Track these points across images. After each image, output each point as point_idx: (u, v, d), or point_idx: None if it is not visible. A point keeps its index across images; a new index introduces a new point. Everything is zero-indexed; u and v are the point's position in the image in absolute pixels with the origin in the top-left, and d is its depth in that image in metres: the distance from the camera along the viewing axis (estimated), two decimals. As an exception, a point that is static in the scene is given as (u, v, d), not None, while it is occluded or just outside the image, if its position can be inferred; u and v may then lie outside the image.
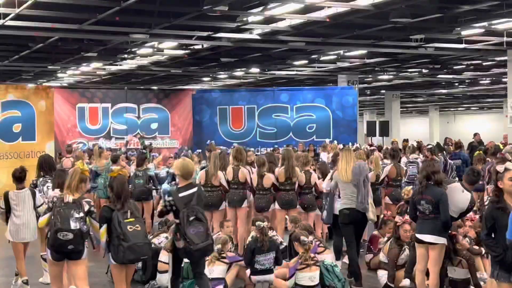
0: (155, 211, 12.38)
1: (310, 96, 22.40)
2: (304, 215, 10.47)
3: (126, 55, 23.02)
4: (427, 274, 7.62)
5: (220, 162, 10.45)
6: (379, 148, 18.04)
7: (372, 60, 24.36)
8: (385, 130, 29.33)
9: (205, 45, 20.57)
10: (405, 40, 19.29)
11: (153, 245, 9.22)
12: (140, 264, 8.99)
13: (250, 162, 11.51)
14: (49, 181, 8.38)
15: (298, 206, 10.43)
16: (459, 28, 17.34)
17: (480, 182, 10.86)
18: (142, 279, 8.98)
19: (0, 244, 10.32)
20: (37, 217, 7.71)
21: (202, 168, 11.26)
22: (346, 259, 9.46)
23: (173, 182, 12.11)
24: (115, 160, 13.17)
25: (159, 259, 8.76)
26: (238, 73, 28.75)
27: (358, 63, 25.35)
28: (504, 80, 27.29)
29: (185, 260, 8.42)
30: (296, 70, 28.21)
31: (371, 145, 20.75)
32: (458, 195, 7.50)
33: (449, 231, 7.82)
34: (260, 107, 22.17)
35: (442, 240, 7.42)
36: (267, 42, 19.25)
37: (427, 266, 7.55)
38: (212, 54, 22.43)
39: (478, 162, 12.94)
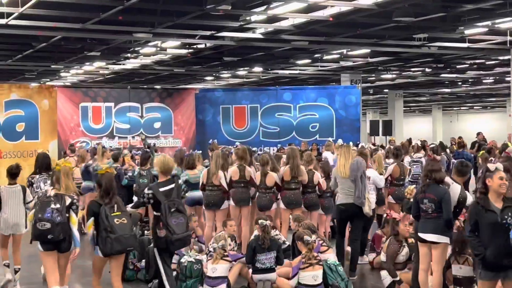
0: None
1: (313, 95, 22.39)
2: (307, 214, 10.48)
3: (129, 54, 23.03)
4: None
5: (222, 162, 10.45)
6: (381, 148, 18.04)
7: (375, 59, 24.34)
8: (388, 129, 29.31)
9: (208, 44, 20.57)
10: (408, 39, 19.26)
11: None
12: (143, 263, 9.01)
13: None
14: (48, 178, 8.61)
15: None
16: (462, 27, 17.31)
17: None
18: (146, 278, 8.99)
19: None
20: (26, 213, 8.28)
21: (206, 167, 11.29)
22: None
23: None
24: (116, 159, 13.18)
25: (162, 258, 8.78)
26: (241, 72, 28.75)
27: (361, 62, 25.33)
28: (507, 79, 27.23)
29: (188, 259, 8.47)
30: (299, 69, 28.19)
31: (374, 144, 20.75)
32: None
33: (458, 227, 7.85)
34: (263, 106, 22.16)
35: (445, 239, 7.42)
36: (270, 41, 19.25)
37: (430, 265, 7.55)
38: (215, 53, 22.43)
39: (482, 161, 12.95)
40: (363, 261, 10.14)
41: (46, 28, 16.10)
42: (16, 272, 8.63)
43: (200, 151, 13.44)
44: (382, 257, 9.07)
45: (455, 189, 7.51)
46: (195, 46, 21.24)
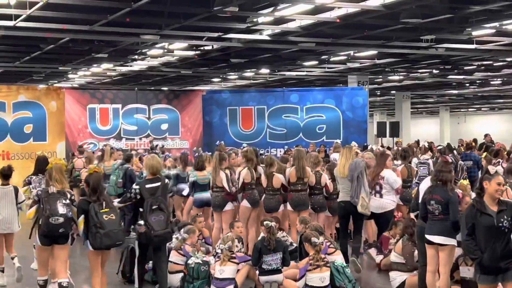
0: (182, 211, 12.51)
1: (320, 96, 22.38)
2: (314, 216, 10.47)
3: (136, 56, 23.07)
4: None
5: (219, 163, 10.45)
6: (388, 149, 17.98)
7: (382, 61, 24.30)
8: (395, 131, 29.21)
9: (215, 46, 20.59)
10: (415, 41, 19.22)
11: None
12: (151, 265, 9.03)
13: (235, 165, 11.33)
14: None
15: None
16: (470, 29, 17.26)
17: None
18: (153, 280, 9.00)
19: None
20: (18, 212, 8.71)
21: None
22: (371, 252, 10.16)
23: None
24: (128, 159, 13.21)
25: (169, 259, 8.80)
26: (248, 73, 28.75)
27: (368, 64, 25.29)
28: (515, 80, 27.18)
29: (195, 260, 8.48)
30: (306, 71, 28.17)
31: (382, 146, 20.72)
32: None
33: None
34: (270, 107, 22.17)
35: (452, 241, 7.39)
36: (277, 43, 19.24)
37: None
38: (222, 55, 22.44)
39: (486, 163, 12.93)
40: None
41: (54, 30, 16.15)
42: (12, 259, 8.85)
43: (210, 153, 13.47)
44: (394, 258, 9.02)
45: None
46: (202, 48, 21.26)
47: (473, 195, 12.49)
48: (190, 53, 21.93)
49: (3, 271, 8.97)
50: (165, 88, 30.15)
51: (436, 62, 25.21)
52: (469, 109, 59.00)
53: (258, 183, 10.56)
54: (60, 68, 24.94)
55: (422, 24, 16.28)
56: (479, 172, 15.41)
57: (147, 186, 7.90)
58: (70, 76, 29.61)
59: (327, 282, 8.15)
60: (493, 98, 45.80)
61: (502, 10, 15.05)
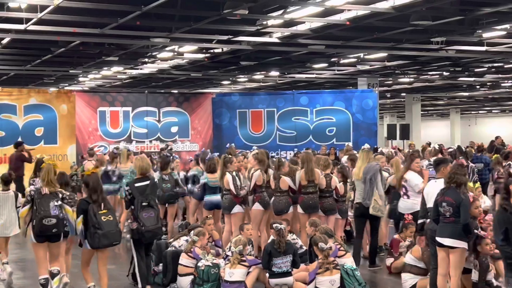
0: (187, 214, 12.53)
1: (330, 99, 22.36)
2: (324, 218, 10.46)
3: (146, 59, 23.14)
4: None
5: (223, 167, 10.46)
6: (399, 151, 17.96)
7: (392, 63, 24.25)
8: (405, 133, 29.16)
9: (225, 49, 20.62)
10: (425, 43, 19.17)
11: (173, 248, 9.29)
12: (161, 267, 9.05)
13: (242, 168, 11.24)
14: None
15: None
16: (480, 31, 17.21)
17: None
18: (163, 282, 9.02)
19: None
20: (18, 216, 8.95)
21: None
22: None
23: (197, 186, 12.16)
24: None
25: (179, 262, 8.81)
26: (258, 76, 28.77)
27: (378, 66, 25.24)
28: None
29: (205, 263, 8.49)
30: (316, 73, 28.16)
31: (394, 148, 20.67)
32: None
33: (477, 232, 7.80)
34: (280, 110, 22.17)
35: (462, 244, 7.36)
36: (286, 45, 19.25)
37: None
38: (232, 57, 22.47)
39: (495, 165, 12.89)
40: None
41: (65, 33, 16.23)
42: (3, 264, 9.11)
43: (217, 154, 13.49)
44: (408, 260, 8.96)
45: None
46: (212, 51, 21.29)
47: (484, 197, 12.50)
48: (200, 55, 21.97)
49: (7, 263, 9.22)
50: (175, 91, 30.21)
51: (446, 64, 25.13)
52: (480, 111, 58.75)
53: (268, 186, 10.59)
54: (70, 71, 25.05)
55: (433, 26, 16.25)
56: (490, 175, 15.36)
57: (136, 185, 8.27)
58: (80, 79, 29.73)
59: (337, 285, 8.14)
60: (504, 100, 45.59)
61: (513, 12, 15.00)
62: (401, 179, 10.13)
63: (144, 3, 13.36)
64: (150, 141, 21.27)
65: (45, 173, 7.99)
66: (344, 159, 15.71)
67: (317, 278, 8.12)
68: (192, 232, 9.32)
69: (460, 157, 14.53)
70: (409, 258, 9.01)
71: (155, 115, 21.57)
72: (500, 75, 29.27)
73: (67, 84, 32.42)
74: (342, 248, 8.94)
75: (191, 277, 8.63)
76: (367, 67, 25.63)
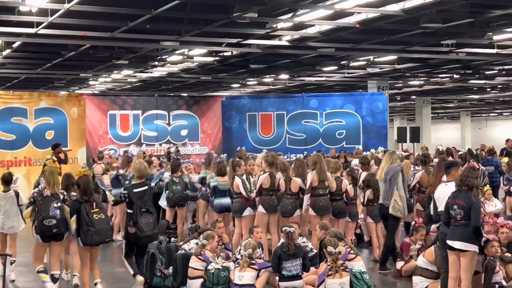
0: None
1: (340, 102, 22.33)
2: (335, 221, 10.45)
3: (156, 63, 23.20)
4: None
5: (231, 170, 10.46)
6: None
7: (402, 66, 24.19)
8: (416, 136, 28.98)
9: (234, 52, 20.64)
10: (436, 46, 19.11)
11: (183, 251, 9.30)
12: (171, 270, 9.06)
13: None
14: None
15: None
16: (491, 33, 17.13)
17: None
18: (173, 285, 9.03)
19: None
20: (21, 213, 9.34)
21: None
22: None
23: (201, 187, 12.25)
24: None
25: (189, 265, 8.81)
26: (267, 79, 28.77)
27: (388, 69, 25.19)
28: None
29: (215, 266, 8.50)
30: (326, 76, 28.12)
31: (405, 151, 20.60)
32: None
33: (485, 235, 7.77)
34: (290, 113, 22.17)
35: (473, 248, 7.33)
36: (296, 48, 19.24)
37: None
38: (242, 60, 22.49)
39: (506, 168, 12.83)
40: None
41: (75, 37, 16.30)
42: (11, 263, 9.26)
43: (225, 156, 13.51)
44: (422, 263, 8.92)
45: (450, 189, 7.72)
46: (221, 54, 21.32)
47: (495, 200, 12.45)
48: (210, 59, 22.01)
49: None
50: (185, 94, 30.28)
51: (456, 67, 25.03)
52: (490, 114, 58.51)
53: (277, 189, 10.55)
54: (81, 74, 25.15)
55: (443, 29, 16.19)
56: (501, 178, 15.28)
57: (135, 190, 8.70)
58: (91, 82, 29.85)
59: (347, 287, 8.11)
60: (515, 103, 45.40)
61: (524, 14, 14.92)
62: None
63: (154, 7, 13.41)
64: (160, 144, 21.32)
65: (49, 175, 8.38)
66: (355, 162, 15.69)
67: (326, 281, 8.10)
68: (202, 235, 9.32)
69: (471, 160, 14.48)
70: (421, 261, 8.97)
71: (165, 118, 21.62)
72: (510, 78, 29.12)
73: (77, 88, 32.55)
74: (352, 252, 8.90)
75: (201, 280, 8.63)
76: (377, 70, 25.59)
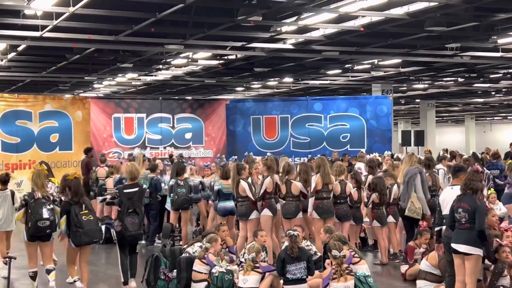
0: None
1: (344, 105, 22.33)
2: (339, 225, 10.44)
3: (161, 66, 23.22)
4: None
5: (236, 174, 10.46)
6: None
7: (407, 69, 24.18)
8: (420, 139, 29.02)
9: (238, 55, 20.66)
10: (440, 49, 19.10)
11: (187, 255, 9.30)
12: (175, 273, 9.06)
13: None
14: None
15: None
16: (495, 37, 17.12)
17: None
18: (177, 288, 9.03)
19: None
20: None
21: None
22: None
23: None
24: (153, 170, 13.28)
25: (193, 268, 8.81)
26: (272, 82, 28.78)
27: (392, 72, 25.17)
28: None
29: (219, 269, 8.50)
30: (330, 80, 28.12)
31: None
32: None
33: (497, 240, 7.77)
34: (294, 116, 22.17)
35: (478, 251, 7.31)
36: (300, 52, 19.25)
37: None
38: (246, 64, 22.50)
39: (510, 172, 12.81)
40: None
41: (80, 40, 16.33)
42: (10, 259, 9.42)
43: (236, 156, 13.53)
44: (426, 266, 8.91)
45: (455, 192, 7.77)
46: (226, 57, 21.34)
47: (499, 204, 12.41)
48: (214, 62, 22.03)
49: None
50: (189, 97, 30.29)
51: (461, 70, 25.01)
52: (495, 118, 58.40)
53: (276, 192, 10.58)
54: (85, 78, 25.19)
55: (447, 32, 16.18)
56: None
57: (125, 191, 9.06)
58: (95, 85, 29.90)
59: (352, 291, 8.10)
60: (519, 107, 45.31)
61: (528, 17, 14.90)
62: None
63: (158, 10, 13.44)
64: (164, 148, 21.34)
65: (36, 177, 8.72)
66: (358, 165, 15.67)
67: (330, 285, 8.08)
68: (205, 238, 9.32)
69: (476, 164, 14.44)
70: (424, 265, 8.96)
71: (169, 121, 21.64)
72: (515, 81, 29.10)
73: (82, 91, 32.61)
74: (356, 255, 8.89)
75: (205, 283, 8.62)
76: (381, 73, 25.57)
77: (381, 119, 21.84)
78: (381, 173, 12.44)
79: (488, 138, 54.68)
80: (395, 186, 11.13)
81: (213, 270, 8.57)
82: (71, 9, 12.38)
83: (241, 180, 10.39)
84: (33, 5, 12.49)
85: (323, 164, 10.41)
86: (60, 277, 9.24)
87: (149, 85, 29.35)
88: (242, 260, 8.95)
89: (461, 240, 7.33)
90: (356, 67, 24.12)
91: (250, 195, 10.31)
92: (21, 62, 21.78)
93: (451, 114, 52.41)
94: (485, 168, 14.59)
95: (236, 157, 14.00)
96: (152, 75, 25.68)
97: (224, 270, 8.54)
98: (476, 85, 30.41)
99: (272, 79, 27.67)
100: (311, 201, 10.36)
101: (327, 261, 8.44)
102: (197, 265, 8.80)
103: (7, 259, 9.21)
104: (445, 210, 7.92)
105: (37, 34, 14.99)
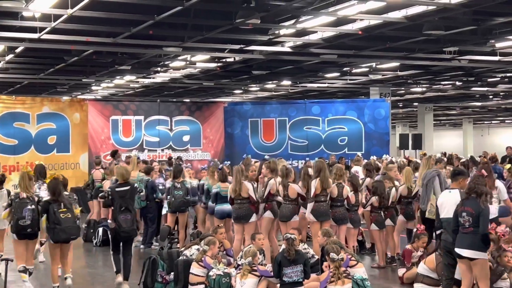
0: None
1: (342, 108, 22.33)
2: (336, 228, 10.43)
3: (159, 68, 23.24)
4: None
5: (241, 176, 10.45)
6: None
7: (404, 73, 24.21)
8: (418, 143, 29.05)
9: (237, 58, 20.67)
10: (438, 53, 19.13)
11: (184, 257, 9.29)
12: (172, 276, 9.05)
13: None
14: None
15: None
16: (493, 40, 17.15)
17: None
18: (174, 290, 9.01)
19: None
20: None
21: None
22: None
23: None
24: (148, 172, 13.27)
25: (190, 271, 8.79)
26: (270, 85, 28.79)
27: (390, 76, 25.21)
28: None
29: (217, 272, 8.48)
30: (328, 83, 28.15)
31: (407, 158, 20.58)
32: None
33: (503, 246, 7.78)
34: (292, 119, 22.17)
35: (482, 256, 7.27)
36: (298, 55, 19.27)
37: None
38: (244, 66, 22.52)
39: (508, 175, 12.79)
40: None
41: (78, 42, 16.33)
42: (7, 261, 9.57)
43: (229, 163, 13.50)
44: (423, 270, 8.89)
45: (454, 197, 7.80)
46: (224, 60, 21.35)
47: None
48: (212, 65, 22.04)
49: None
50: (187, 100, 30.30)
51: (459, 74, 25.05)
52: (493, 122, 58.48)
53: (276, 195, 10.60)
54: (83, 80, 25.20)
55: (445, 36, 16.21)
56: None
57: (117, 189, 9.36)
58: (93, 88, 29.90)
59: (349, 295, 8.08)
60: (517, 110, 45.37)
61: (526, 21, 14.93)
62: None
63: (157, 13, 13.44)
64: (162, 150, 21.33)
65: (21, 179, 9.09)
66: (355, 169, 15.66)
67: (328, 288, 8.07)
68: (203, 241, 9.31)
69: (474, 168, 14.44)
70: (422, 268, 8.95)
71: (167, 124, 21.64)
72: (513, 85, 29.13)
73: (80, 93, 32.60)
74: (353, 258, 8.87)
75: (202, 286, 8.61)
76: (379, 77, 25.60)
77: (379, 122, 21.85)
78: (380, 176, 12.44)
79: (485, 141, 54.75)
80: (393, 190, 11.13)
81: (211, 273, 8.56)
82: (69, 11, 12.37)
83: (244, 182, 10.35)
84: (31, 7, 12.48)
85: (324, 168, 10.38)
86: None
87: (147, 87, 29.35)
88: (239, 263, 8.93)
89: (464, 244, 7.30)
90: (354, 70, 24.14)
91: (253, 196, 10.28)
92: (19, 64, 21.78)
93: (449, 117, 52.48)
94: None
95: (229, 162, 13.94)
96: (150, 78, 25.69)
97: (222, 273, 8.52)
98: (474, 88, 30.45)
99: (270, 82, 27.69)
100: (309, 206, 10.36)
101: (325, 263, 8.43)
102: (195, 268, 8.78)
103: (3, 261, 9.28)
104: (442, 214, 7.92)
105: (35, 36, 14.99)
